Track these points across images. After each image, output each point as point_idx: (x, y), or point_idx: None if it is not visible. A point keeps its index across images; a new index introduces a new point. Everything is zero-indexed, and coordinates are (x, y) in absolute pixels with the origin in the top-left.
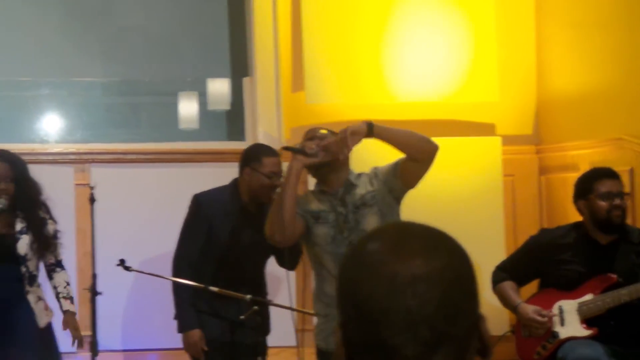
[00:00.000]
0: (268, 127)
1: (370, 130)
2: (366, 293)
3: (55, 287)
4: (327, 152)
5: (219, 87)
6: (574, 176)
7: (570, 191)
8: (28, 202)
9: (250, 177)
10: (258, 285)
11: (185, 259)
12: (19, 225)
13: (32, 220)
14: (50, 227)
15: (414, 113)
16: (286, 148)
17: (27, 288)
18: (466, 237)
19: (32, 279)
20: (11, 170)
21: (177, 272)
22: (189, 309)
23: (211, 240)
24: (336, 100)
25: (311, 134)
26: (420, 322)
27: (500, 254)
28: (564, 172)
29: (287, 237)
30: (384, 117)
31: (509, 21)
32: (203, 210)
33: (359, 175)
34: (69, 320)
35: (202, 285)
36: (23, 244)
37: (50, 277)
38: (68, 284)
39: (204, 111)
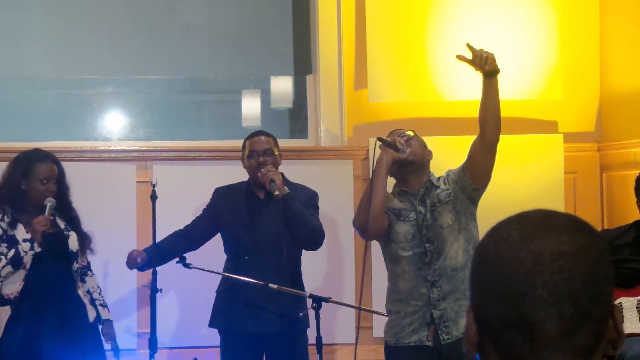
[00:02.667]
0: (330, 124)
1: (496, 72)
2: (510, 269)
3: (90, 292)
4: (413, 153)
5: (282, 85)
6: (635, 174)
7: (631, 189)
8: (66, 202)
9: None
10: (289, 277)
11: (181, 229)
12: (61, 224)
13: (72, 218)
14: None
15: (475, 110)
16: (380, 139)
17: (79, 284)
18: None
19: (83, 275)
20: (58, 171)
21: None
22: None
23: (224, 233)
24: (398, 99)
25: (398, 133)
26: (565, 298)
27: None
28: (625, 170)
29: (376, 228)
30: (446, 114)
31: (572, 18)
32: (215, 198)
33: (438, 178)
34: (110, 330)
35: (244, 278)
36: (74, 241)
37: (83, 280)
38: (100, 289)
39: (267, 109)
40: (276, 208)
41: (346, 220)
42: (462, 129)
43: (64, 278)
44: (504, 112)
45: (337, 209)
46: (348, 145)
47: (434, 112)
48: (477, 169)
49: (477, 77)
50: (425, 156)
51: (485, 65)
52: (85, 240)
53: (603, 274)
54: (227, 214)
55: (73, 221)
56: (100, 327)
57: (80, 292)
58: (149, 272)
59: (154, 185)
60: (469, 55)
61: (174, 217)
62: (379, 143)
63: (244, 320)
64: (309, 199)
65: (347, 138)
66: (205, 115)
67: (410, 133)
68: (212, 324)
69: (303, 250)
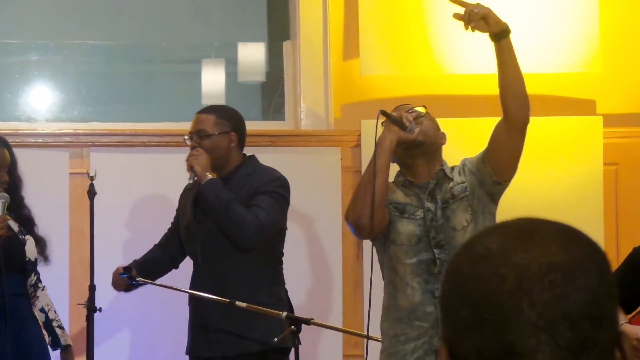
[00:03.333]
0: (313, 103)
1: (504, 34)
2: (489, 289)
3: (44, 311)
4: (424, 133)
5: (253, 54)
6: None
7: None
8: (19, 197)
9: None
10: (244, 289)
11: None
12: (14, 226)
13: (26, 219)
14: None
15: (487, 86)
16: (383, 112)
17: (34, 301)
18: None
19: (35, 289)
20: (10, 158)
21: None
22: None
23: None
24: (396, 71)
25: (406, 108)
26: (560, 320)
27: None
28: None
29: (376, 224)
30: (456, 91)
31: None
32: (181, 195)
33: (452, 168)
34: (70, 358)
35: (226, 300)
36: (31, 247)
37: (35, 295)
38: (54, 307)
39: (233, 83)
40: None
41: (332, 221)
42: (478, 109)
43: (18, 293)
44: (527, 89)
45: (321, 208)
46: (335, 129)
47: (442, 89)
48: (500, 158)
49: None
50: (438, 139)
51: (471, 22)
52: (42, 246)
53: (605, 292)
54: (179, 213)
55: (28, 223)
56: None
57: (36, 311)
58: (84, 287)
59: (91, 178)
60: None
61: (118, 218)
62: (382, 118)
63: (196, 343)
64: (263, 184)
65: (333, 120)
66: (156, 91)
67: (422, 109)
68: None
69: (271, 257)
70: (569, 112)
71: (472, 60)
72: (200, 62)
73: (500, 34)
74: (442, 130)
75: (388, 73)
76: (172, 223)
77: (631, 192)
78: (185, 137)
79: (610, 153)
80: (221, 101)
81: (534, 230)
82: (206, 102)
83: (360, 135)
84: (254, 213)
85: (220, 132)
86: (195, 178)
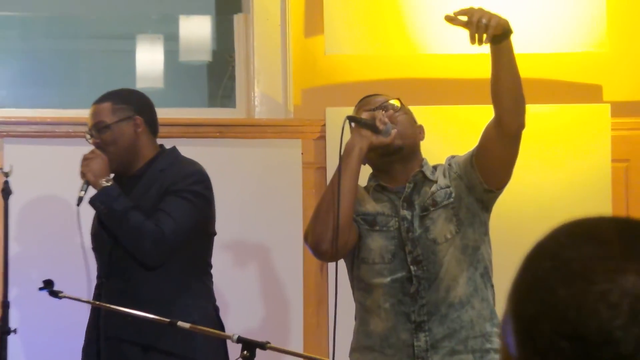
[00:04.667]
0: (269, 87)
1: (505, 35)
2: (599, 322)
3: None
4: (402, 135)
5: (197, 29)
6: None
7: None
8: None
9: None
10: (155, 304)
11: None
12: None
13: None
14: None
15: (470, 68)
16: (351, 118)
17: None
18: None
19: None
20: None
21: None
22: None
23: None
24: (366, 50)
25: (376, 102)
26: None
27: None
28: None
29: (340, 247)
30: (435, 74)
31: None
32: None
33: (435, 167)
34: None
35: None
36: None
37: None
38: None
39: (174, 63)
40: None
41: (291, 227)
42: (459, 95)
43: None
44: (523, 71)
45: (278, 211)
46: (295, 119)
47: (418, 71)
48: (491, 165)
49: None
50: (416, 137)
51: (487, 30)
52: None
53: None
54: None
55: None
56: None
57: None
58: None
59: (6, 174)
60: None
61: (37, 221)
62: (353, 123)
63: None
64: (175, 181)
65: (293, 107)
66: (81, 71)
67: (396, 103)
68: None
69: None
70: (571, 98)
71: (453, 39)
72: (135, 38)
73: (501, 36)
74: (419, 122)
75: (357, 52)
76: None
77: None
78: (87, 136)
79: (619, 148)
80: (159, 84)
81: (638, 239)
82: (142, 85)
83: (324, 125)
84: (156, 221)
85: (120, 119)
86: (86, 189)
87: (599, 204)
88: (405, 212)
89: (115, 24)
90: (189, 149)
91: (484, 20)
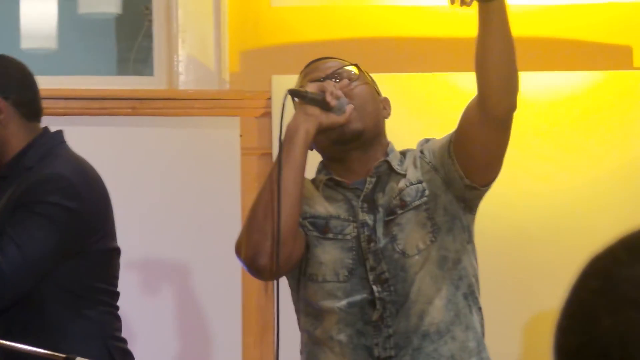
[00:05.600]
0: (198, 49)
1: None
2: (636, 350)
3: None
4: (360, 113)
5: None
6: None
7: None
8: None
9: None
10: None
11: None
12: None
13: None
14: None
15: (450, 24)
16: (293, 92)
17: None
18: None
19: None
20: None
21: None
22: None
23: None
24: (321, 0)
25: (327, 69)
26: None
27: None
28: None
29: (282, 262)
30: (408, 32)
31: None
32: None
33: (404, 154)
34: None
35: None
36: None
37: None
38: None
39: (71, 17)
40: None
41: (227, 234)
42: (444, 60)
43: None
44: (523, 28)
45: (210, 211)
46: (232, 90)
47: (391, 28)
48: (473, 155)
49: None
50: (379, 115)
51: None
52: None
53: None
54: None
55: None
56: None
57: None
58: None
59: None
60: None
61: None
62: (297, 98)
63: None
64: (29, 189)
65: (229, 76)
66: None
67: (354, 70)
68: None
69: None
70: (590, 64)
71: None
72: None
73: None
74: (383, 94)
75: (312, 3)
76: None
77: None
78: None
79: None
80: (51, 44)
81: None
82: (28, 45)
83: (270, 98)
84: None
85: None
86: None
87: (629, 206)
88: (366, 216)
89: None
90: (92, 130)
91: None
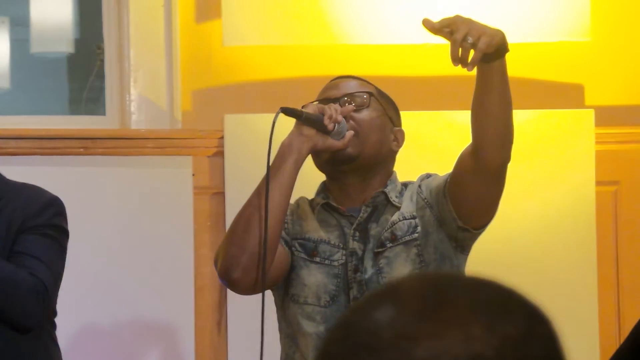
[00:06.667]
0: (150, 88)
1: (499, 52)
2: None
3: None
4: (361, 139)
5: (54, 11)
6: None
7: None
8: None
9: None
10: None
11: None
12: None
13: None
14: None
15: (425, 63)
16: (286, 110)
17: None
18: (537, 289)
19: None
20: None
21: None
22: None
23: None
24: (275, 40)
25: (342, 90)
26: None
27: (591, 332)
28: None
29: (257, 276)
30: (368, 69)
31: None
32: None
33: (405, 186)
34: None
35: None
36: None
37: None
38: None
39: (23, 56)
40: None
41: (179, 273)
42: (405, 97)
43: None
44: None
45: (162, 250)
46: (184, 129)
47: (346, 66)
48: (467, 200)
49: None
50: (383, 146)
51: (475, 51)
52: None
53: None
54: None
55: None
56: None
57: None
58: None
59: None
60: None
61: None
62: (293, 117)
63: None
64: (31, 215)
65: (181, 115)
66: None
67: (367, 91)
68: None
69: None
70: (545, 102)
71: (390, 26)
72: None
73: (494, 54)
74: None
75: (264, 43)
76: None
77: (636, 225)
78: None
79: (607, 166)
80: (4, 84)
81: (443, 301)
82: None
83: (222, 137)
84: (29, 269)
85: None
86: None
87: (580, 240)
88: (356, 245)
89: None
90: (44, 170)
91: (470, 39)
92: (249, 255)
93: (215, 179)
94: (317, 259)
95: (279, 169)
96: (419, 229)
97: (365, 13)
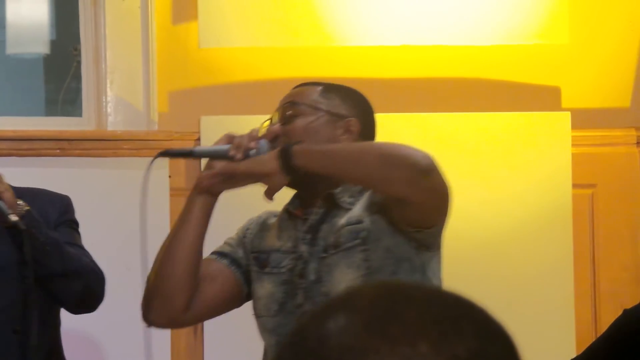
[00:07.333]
0: (126, 90)
1: (287, 165)
2: None
3: None
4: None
5: (29, 12)
6: None
7: None
8: None
9: None
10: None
11: None
12: None
13: None
14: None
15: (401, 65)
16: (168, 153)
17: None
18: (505, 299)
19: None
20: None
21: None
22: None
23: None
24: (253, 42)
25: (281, 103)
26: None
27: (567, 335)
28: None
29: (177, 311)
30: (344, 72)
31: None
32: None
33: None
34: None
35: None
36: None
37: None
38: None
39: None
40: (7, 242)
41: None
42: (388, 99)
43: None
44: (452, 69)
45: (138, 255)
46: (160, 131)
47: (326, 68)
48: (411, 210)
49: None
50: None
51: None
52: None
53: None
54: None
55: None
56: None
57: None
58: None
59: None
60: None
61: None
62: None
63: None
64: (62, 211)
65: (158, 116)
66: None
67: (296, 103)
68: None
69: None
70: (520, 105)
71: (378, 26)
72: None
73: (286, 166)
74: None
75: (241, 45)
76: None
77: (616, 227)
78: None
79: (583, 169)
80: None
81: (393, 314)
82: None
83: (199, 139)
84: (82, 254)
85: None
86: (12, 214)
87: (556, 243)
88: (304, 249)
89: None
90: (20, 171)
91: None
92: (159, 300)
93: (192, 180)
94: (267, 269)
95: (187, 205)
96: (362, 234)
97: (337, 13)
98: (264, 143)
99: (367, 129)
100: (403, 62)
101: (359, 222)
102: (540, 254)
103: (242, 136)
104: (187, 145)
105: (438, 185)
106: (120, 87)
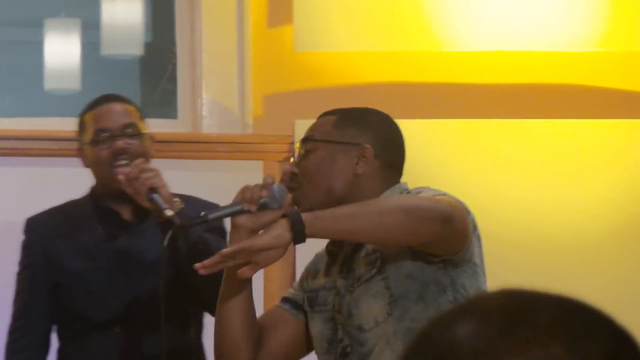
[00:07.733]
0: (222, 93)
1: (301, 236)
2: None
3: None
4: (303, 188)
5: (125, 14)
6: None
7: None
8: None
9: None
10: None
11: (22, 330)
12: None
13: None
14: None
15: (486, 71)
16: (182, 226)
17: None
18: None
19: None
20: None
21: (9, 354)
22: None
23: (63, 293)
24: (348, 46)
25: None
26: None
27: None
28: None
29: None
30: (446, 77)
31: None
32: (33, 240)
33: None
34: None
35: None
36: None
37: None
38: None
39: (94, 58)
40: (157, 237)
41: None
42: (483, 105)
43: None
44: (539, 75)
45: None
46: (255, 134)
47: (417, 73)
48: (432, 246)
49: (501, 13)
50: (334, 180)
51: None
52: None
53: None
54: (68, 258)
55: None
56: None
57: None
58: None
59: None
60: None
61: None
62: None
63: None
64: None
65: (252, 120)
66: None
67: (301, 146)
68: None
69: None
70: (618, 112)
71: (467, 32)
72: (42, 24)
73: (301, 236)
74: (422, 134)
75: (336, 48)
76: (27, 296)
77: None
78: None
79: None
80: (75, 85)
81: (524, 318)
82: (51, 86)
83: (293, 143)
84: None
85: (148, 133)
86: (168, 209)
87: (633, 252)
88: (341, 283)
89: (17, 5)
90: None
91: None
92: (218, 353)
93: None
94: (317, 308)
95: (225, 285)
96: (378, 263)
97: (427, 18)
98: (276, 187)
99: (385, 149)
100: (495, 68)
101: (374, 251)
102: (632, 259)
103: (252, 188)
104: (282, 148)
105: (461, 226)
106: (215, 90)
